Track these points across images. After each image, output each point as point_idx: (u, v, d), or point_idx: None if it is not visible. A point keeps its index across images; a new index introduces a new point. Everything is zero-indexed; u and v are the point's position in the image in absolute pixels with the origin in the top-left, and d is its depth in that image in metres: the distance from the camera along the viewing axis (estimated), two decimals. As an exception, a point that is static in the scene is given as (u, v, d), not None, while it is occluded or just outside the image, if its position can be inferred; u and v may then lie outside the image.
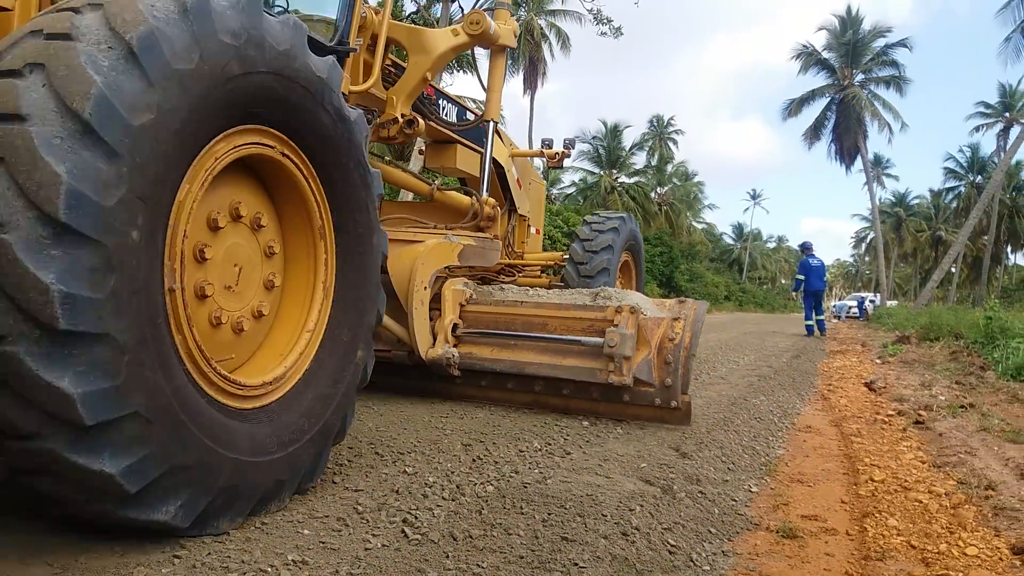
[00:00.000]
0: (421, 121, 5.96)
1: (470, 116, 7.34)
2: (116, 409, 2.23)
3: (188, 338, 2.62)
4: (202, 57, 2.46)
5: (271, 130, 2.96)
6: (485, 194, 6.98)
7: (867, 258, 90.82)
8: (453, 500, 3.23)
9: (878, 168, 67.92)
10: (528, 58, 41.64)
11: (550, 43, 42.95)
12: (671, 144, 64.81)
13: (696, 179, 70.44)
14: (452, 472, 3.65)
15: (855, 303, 44.94)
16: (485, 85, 7.00)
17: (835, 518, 3.61)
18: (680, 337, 5.20)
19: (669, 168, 64.43)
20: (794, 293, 20.99)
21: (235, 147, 2.82)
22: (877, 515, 3.63)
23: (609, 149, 55.54)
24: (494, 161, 7.22)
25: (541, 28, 42.06)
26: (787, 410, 6.66)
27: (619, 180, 54.68)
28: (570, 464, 3.97)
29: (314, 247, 3.31)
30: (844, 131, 48.40)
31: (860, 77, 48.95)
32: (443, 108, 6.85)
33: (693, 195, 68.52)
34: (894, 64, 47.97)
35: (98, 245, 2.16)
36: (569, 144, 8.94)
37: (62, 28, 2.24)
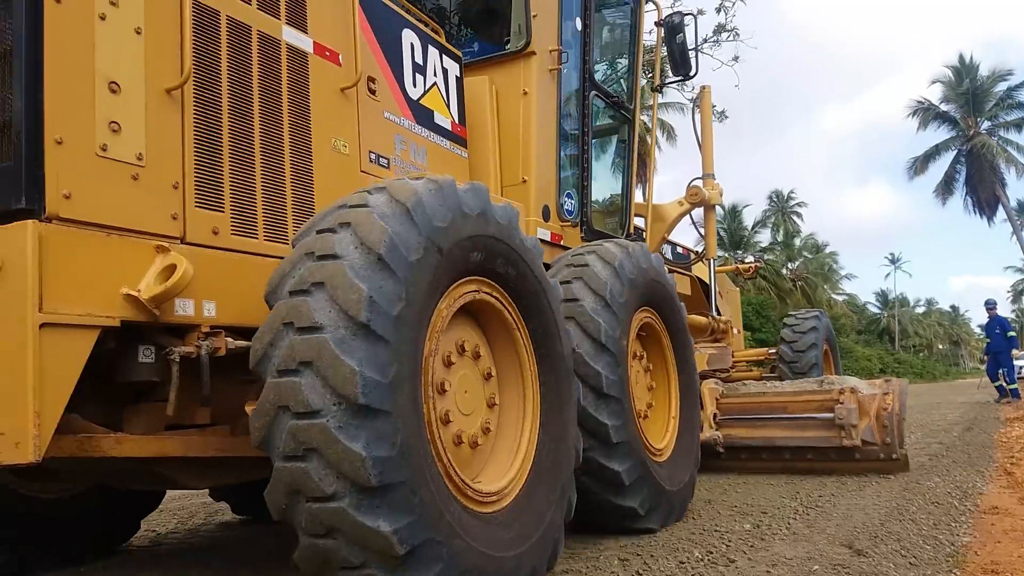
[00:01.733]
0: None
1: (679, 250, 9.73)
2: (394, 475, 2.75)
3: (439, 446, 3.21)
4: (452, 221, 3.32)
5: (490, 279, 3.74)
6: (714, 313, 8.88)
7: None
8: (617, 623, 3.11)
9: (1024, 215, 64.00)
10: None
11: (655, 138, 43.48)
12: (795, 217, 63.40)
13: (828, 249, 68.28)
14: (612, 592, 3.54)
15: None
16: (703, 233, 9.47)
17: (1044, 611, 3.25)
18: (892, 406, 6.98)
19: (797, 242, 62.81)
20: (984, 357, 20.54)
21: (463, 294, 3.59)
22: (1093, 604, 3.25)
23: (730, 231, 54.81)
24: (703, 283, 9.23)
25: (645, 124, 42.72)
26: (967, 490, 6.14)
27: (745, 261, 53.63)
28: (736, 573, 3.78)
29: (520, 373, 3.96)
30: (978, 182, 46.24)
31: (986, 124, 46.96)
32: (666, 250, 9.14)
33: (827, 267, 66.23)
34: (1021, 106, 45.82)
35: (386, 343, 2.84)
36: (759, 258, 12.21)
37: (360, 201, 3.11)
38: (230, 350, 3.20)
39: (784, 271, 56.66)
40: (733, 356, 9.25)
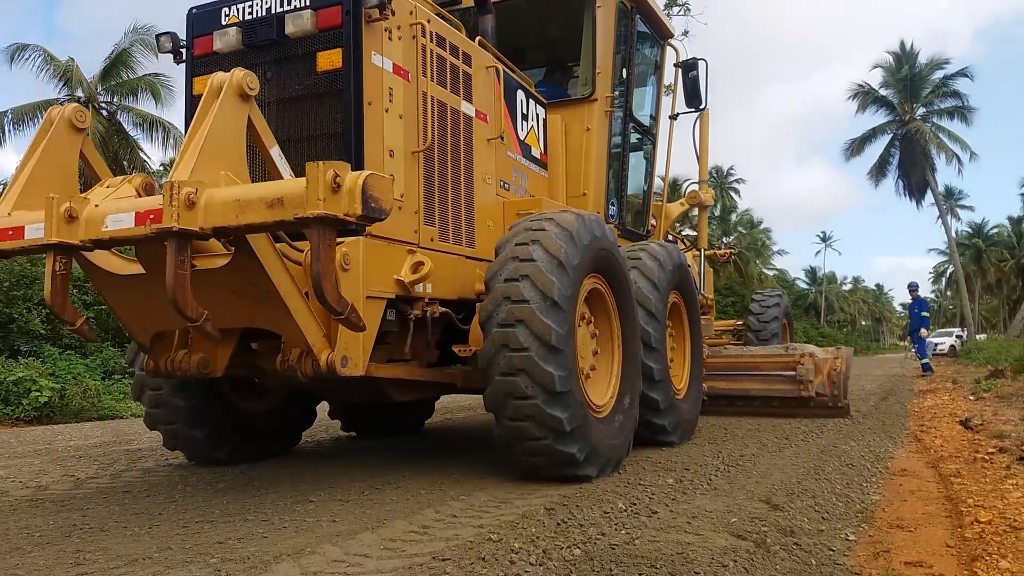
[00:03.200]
0: None
1: (669, 238, 11.01)
2: (568, 384, 4.84)
3: (579, 374, 5.26)
4: (586, 233, 5.39)
5: (600, 273, 5.76)
6: (703, 290, 10.47)
7: (949, 293, 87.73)
8: (541, 565, 3.18)
9: (951, 200, 66.16)
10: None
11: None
12: (733, 194, 64.35)
13: (762, 226, 69.65)
14: (537, 537, 3.61)
15: (942, 340, 43.33)
16: (696, 226, 12.18)
17: (941, 563, 3.44)
18: (840, 367, 9.30)
19: (733, 217, 63.81)
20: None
21: (590, 284, 5.64)
22: (987, 558, 3.45)
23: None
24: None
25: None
26: (879, 454, 6.42)
27: (682, 233, 54.34)
28: (657, 523, 3.89)
29: (612, 331, 5.95)
30: (910, 166, 47.49)
31: (921, 111, 48.14)
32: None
33: (761, 242, 67.62)
34: (956, 95, 47.11)
35: (563, 312, 4.89)
36: (732, 246, 14.61)
37: (540, 227, 5.21)
38: (442, 313, 5.31)
39: (719, 245, 57.60)
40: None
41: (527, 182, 6.89)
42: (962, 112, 46.81)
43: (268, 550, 3.54)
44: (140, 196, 4.32)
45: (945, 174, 61.68)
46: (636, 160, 8.91)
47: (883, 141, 49.40)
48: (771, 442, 7.06)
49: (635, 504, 4.36)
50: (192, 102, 5.26)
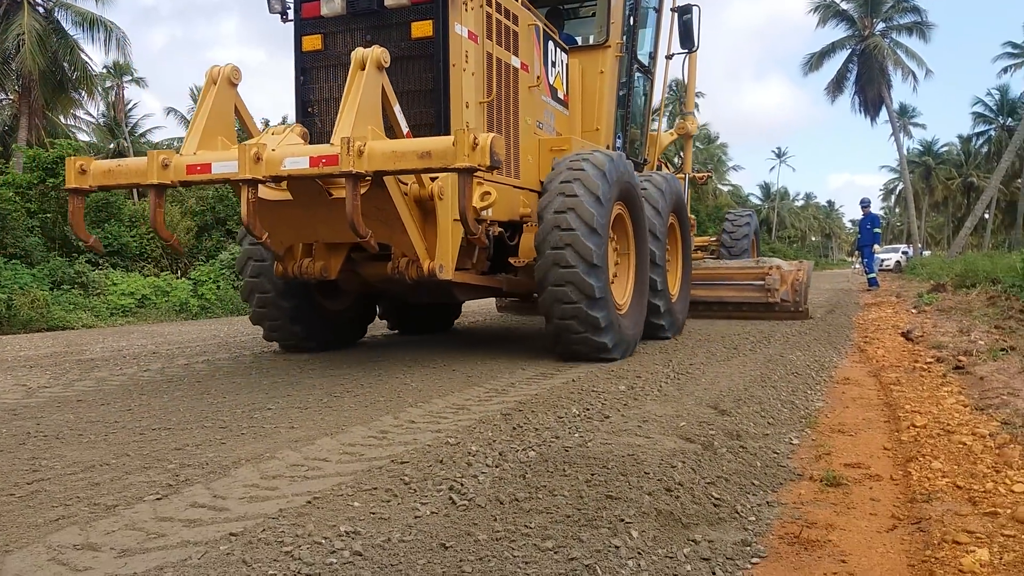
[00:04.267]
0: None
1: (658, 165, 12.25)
2: (603, 292, 6.34)
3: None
4: (613, 170, 6.77)
5: (622, 202, 7.25)
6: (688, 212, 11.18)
7: (897, 209, 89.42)
8: (497, 467, 3.27)
9: (904, 118, 66.75)
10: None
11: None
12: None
13: (719, 141, 69.69)
14: (494, 440, 3.70)
15: (888, 256, 44.28)
16: (682, 153, 13.86)
17: (878, 464, 3.61)
18: (802, 278, 10.94)
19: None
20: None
21: (616, 211, 7.13)
22: (921, 459, 3.62)
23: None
24: None
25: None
26: (824, 364, 6.64)
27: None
28: (609, 427, 4.00)
29: (630, 244, 7.53)
30: (867, 82, 47.55)
31: (881, 26, 47.94)
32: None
33: (717, 158, 67.78)
34: (915, 10, 46.89)
35: (600, 237, 6.31)
36: (709, 170, 21.20)
37: (579, 166, 6.59)
38: (499, 232, 6.79)
39: (675, 159, 57.58)
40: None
41: (554, 120, 8.11)
42: (920, 28, 46.70)
43: (227, 455, 3.57)
44: (304, 143, 5.81)
45: (900, 91, 62.06)
46: (636, 96, 9.97)
47: (842, 56, 49.27)
48: (720, 352, 7.24)
49: (588, 409, 4.47)
50: (301, 58, 6.66)
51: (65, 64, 27.47)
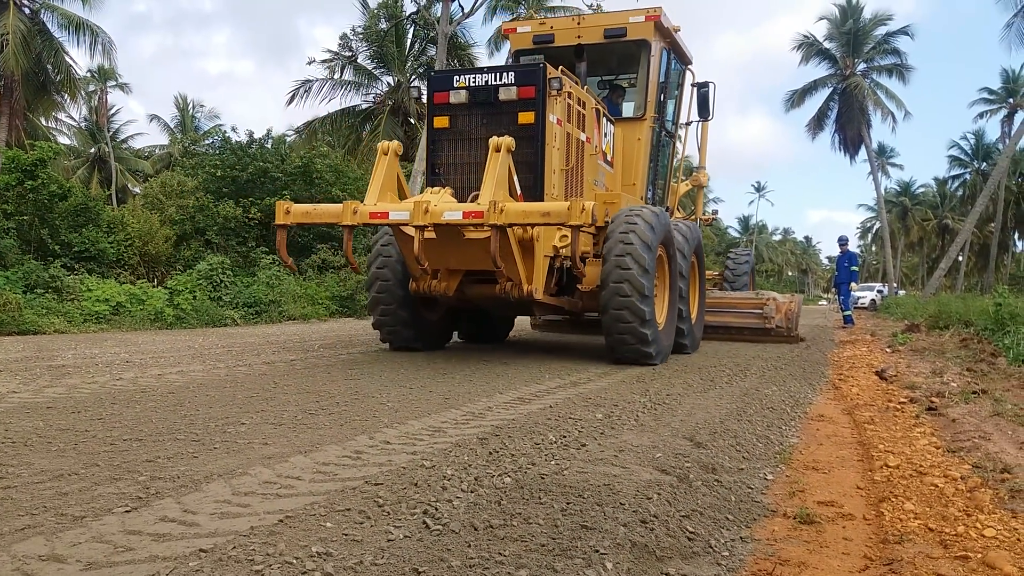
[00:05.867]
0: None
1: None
2: (651, 316, 8.50)
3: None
4: (659, 224, 8.78)
5: (663, 246, 9.21)
6: None
7: (873, 248, 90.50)
8: (472, 492, 3.25)
9: (882, 157, 67.66)
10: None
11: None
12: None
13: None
14: (470, 465, 3.68)
15: (864, 294, 44.68)
16: (693, 206, 16.00)
17: (851, 503, 3.63)
18: (794, 307, 13.20)
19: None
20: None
21: (658, 254, 9.01)
22: (893, 500, 3.64)
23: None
24: None
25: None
26: (799, 399, 6.67)
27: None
28: (586, 455, 4.00)
29: (665, 279, 9.56)
30: (847, 121, 48.19)
31: (862, 66, 48.71)
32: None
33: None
34: (896, 52, 47.69)
35: (649, 274, 8.38)
36: (714, 212, 24.40)
37: (634, 220, 8.58)
38: (571, 264, 7.96)
39: (705, 211, 57.87)
40: None
41: (604, 178, 10.25)
42: (900, 70, 47.52)
43: (199, 469, 3.53)
44: (454, 200, 8.05)
45: (880, 131, 62.69)
46: (663, 156, 12.07)
47: (823, 94, 49.97)
48: (696, 383, 7.27)
49: (565, 436, 4.46)
50: (432, 132, 8.82)
51: (49, 66, 27.31)
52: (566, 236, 8.15)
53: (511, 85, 8.28)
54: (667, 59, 11.18)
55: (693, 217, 14.70)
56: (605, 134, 10.17)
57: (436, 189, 8.22)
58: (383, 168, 8.13)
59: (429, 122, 8.80)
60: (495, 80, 8.40)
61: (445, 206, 7.39)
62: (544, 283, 8.36)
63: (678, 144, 12.81)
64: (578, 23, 10.90)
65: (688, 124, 12.84)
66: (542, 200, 8.18)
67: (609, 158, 10.48)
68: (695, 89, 12.35)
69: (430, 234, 7.55)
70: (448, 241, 7.85)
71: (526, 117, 8.27)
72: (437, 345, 10.18)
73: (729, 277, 16.72)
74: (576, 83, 9.23)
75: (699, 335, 11.21)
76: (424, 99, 9.05)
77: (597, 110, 9.74)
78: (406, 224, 7.44)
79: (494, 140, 7.58)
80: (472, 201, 7.67)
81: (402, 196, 8.37)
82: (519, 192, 7.91)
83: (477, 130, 8.43)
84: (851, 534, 3.19)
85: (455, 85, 8.56)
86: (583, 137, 9.23)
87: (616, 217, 8.69)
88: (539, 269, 8.31)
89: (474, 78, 8.52)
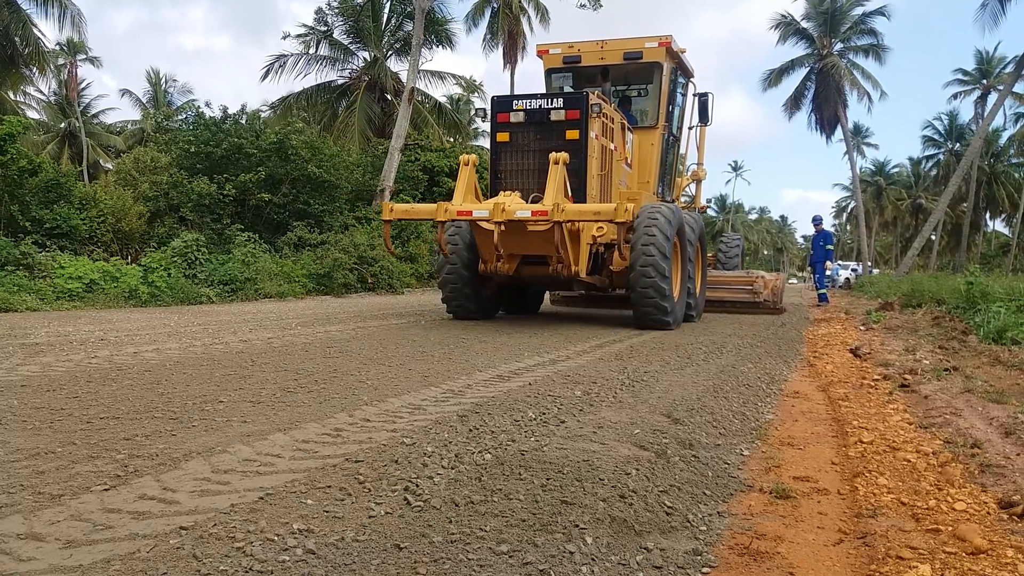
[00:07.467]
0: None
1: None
2: (670, 292, 10.59)
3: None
4: (674, 219, 10.83)
5: (678, 235, 11.18)
6: None
7: (848, 227, 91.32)
8: (452, 468, 3.27)
9: (858, 137, 68.11)
10: (507, 32, 41.18)
11: (529, 17, 42.46)
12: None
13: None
14: (450, 442, 3.69)
15: (839, 272, 45.10)
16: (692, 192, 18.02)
17: (826, 478, 3.69)
18: (780, 284, 15.85)
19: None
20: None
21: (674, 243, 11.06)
22: (867, 475, 3.71)
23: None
24: None
25: (520, 2, 41.58)
26: (775, 377, 6.75)
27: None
28: (565, 432, 4.02)
29: (678, 262, 11.39)
30: (824, 101, 48.40)
31: (839, 46, 48.85)
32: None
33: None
34: (872, 33, 47.88)
35: (668, 259, 10.47)
36: (710, 201, 28.32)
37: (656, 213, 10.64)
38: (604, 248, 11.25)
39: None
40: None
41: (625, 179, 12.37)
42: (876, 50, 47.74)
43: (177, 447, 3.51)
44: (525, 201, 10.03)
45: (855, 111, 63.42)
46: (670, 157, 14.09)
47: (800, 74, 50.08)
48: (673, 360, 7.32)
49: (544, 413, 4.48)
50: (495, 146, 10.87)
51: (16, 39, 26.74)
52: (602, 228, 10.56)
53: (560, 108, 10.43)
54: (675, 76, 13.25)
55: (693, 206, 16.59)
56: (627, 142, 12.43)
57: (508, 192, 10.25)
58: (465, 175, 10.31)
59: (492, 137, 10.91)
60: (548, 104, 10.53)
61: (516, 206, 9.49)
62: (586, 265, 10.59)
63: (682, 146, 14.83)
64: (601, 47, 12.81)
65: (691, 128, 14.92)
66: (584, 199, 10.32)
67: (630, 161, 12.72)
68: (696, 98, 14.46)
69: (491, 226, 9.80)
70: (514, 232, 10.00)
71: (572, 134, 10.36)
72: (490, 315, 12.20)
73: (722, 259, 18.61)
74: (607, 103, 11.21)
75: (702, 307, 13.53)
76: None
77: (622, 124, 12.02)
78: (486, 220, 9.57)
79: (554, 154, 9.75)
80: (534, 202, 9.79)
81: (476, 198, 10.50)
82: (569, 194, 9.97)
83: (532, 143, 10.53)
84: (826, 508, 3.24)
85: (514, 107, 10.64)
86: (612, 147, 11.37)
87: (640, 212, 10.44)
88: (583, 254, 10.55)
89: (530, 102, 10.62)
